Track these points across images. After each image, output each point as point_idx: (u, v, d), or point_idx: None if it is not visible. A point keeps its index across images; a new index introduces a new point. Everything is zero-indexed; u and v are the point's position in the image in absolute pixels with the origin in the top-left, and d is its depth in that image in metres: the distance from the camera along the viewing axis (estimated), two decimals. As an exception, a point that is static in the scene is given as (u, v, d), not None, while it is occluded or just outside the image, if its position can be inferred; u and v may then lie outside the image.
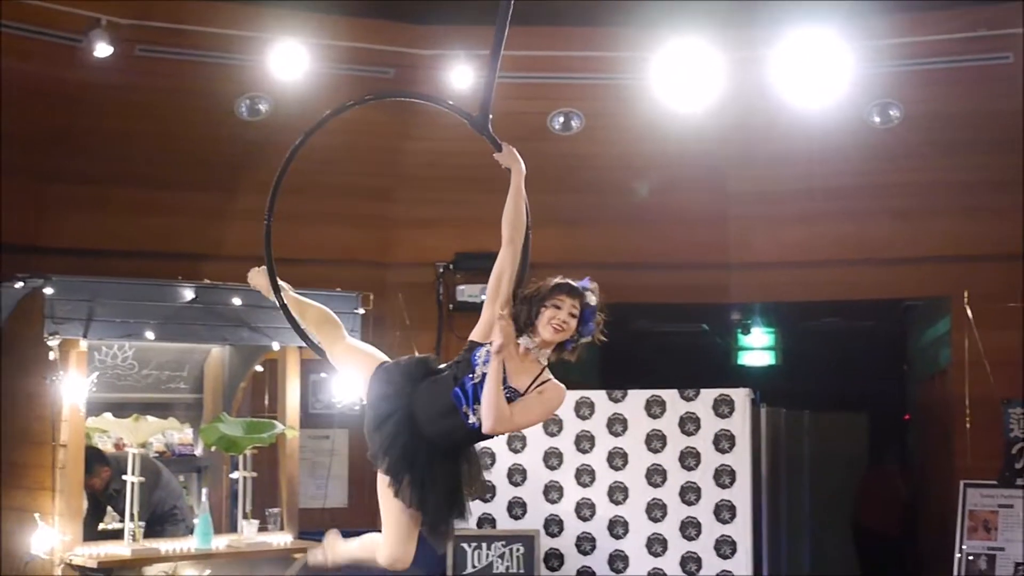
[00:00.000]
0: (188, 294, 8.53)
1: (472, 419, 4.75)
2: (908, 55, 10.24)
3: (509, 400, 4.70)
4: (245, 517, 8.62)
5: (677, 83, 10.07)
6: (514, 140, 11.57)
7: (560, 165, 10.86)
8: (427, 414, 4.81)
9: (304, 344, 5.60)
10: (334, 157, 10.60)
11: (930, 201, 10.94)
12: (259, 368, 9.55)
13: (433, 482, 4.84)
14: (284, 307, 5.53)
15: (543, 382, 4.79)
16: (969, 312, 10.74)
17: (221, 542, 8.41)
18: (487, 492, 5.39)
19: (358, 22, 10.30)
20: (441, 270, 11.23)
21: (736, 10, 10.13)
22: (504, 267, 4.96)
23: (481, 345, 4.81)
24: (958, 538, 10.05)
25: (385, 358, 5.11)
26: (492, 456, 9.82)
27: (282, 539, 8.71)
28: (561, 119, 10.90)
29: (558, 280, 4.87)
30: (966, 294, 10.79)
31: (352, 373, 5.22)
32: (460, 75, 10.14)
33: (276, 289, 5.58)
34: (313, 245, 10.82)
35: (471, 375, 4.78)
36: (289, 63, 9.77)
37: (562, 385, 4.80)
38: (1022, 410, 10.51)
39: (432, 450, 4.84)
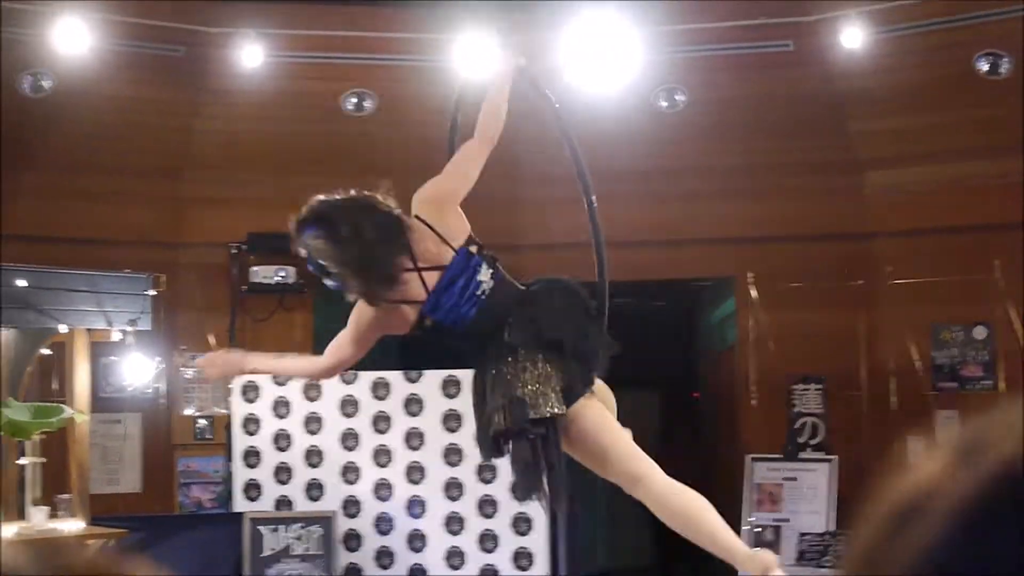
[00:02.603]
0: (-30, 276, 8.30)
1: None
2: (693, 41, 10.50)
3: None
4: (34, 504, 8.42)
5: (469, 65, 10.13)
6: (307, 121, 11.61)
7: (352, 146, 10.85)
8: None
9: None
10: (120, 135, 10.40)
11: (715, 184, 11.21)
12: (46, 351, 9.32)
13: None
14: None
15: None
16: (754, 292, 11.08)
17: (9, 530, 8.20)
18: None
19: (144, -3, 10.13)
20: (234, 251, 11.08)
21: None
22: None
23: None
24: (745, 511, 10.36)
25: None
26: (288, 438, 9.78)
27: (73, 525, 8.54)
28: (354, 100, 10.87)
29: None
30: (750, 275, 11.12)
31: None
32: (250, 54, 10.05)
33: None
34: (102, 225, 10.59)
35: None
36: (73, 38, 9.52)
37: None
38: (805, 386, 10.89)
39: None
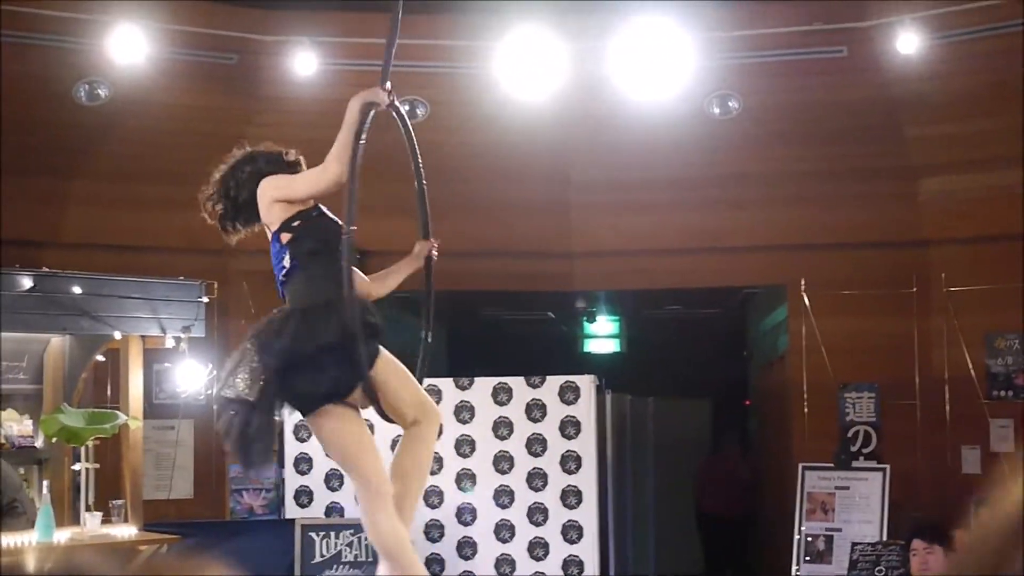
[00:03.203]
0: (26, 282, 8.35)
1: None
2: (746, 47, 10.44)
3: None
4: (88, 509, 8.47)
5: (520, 72, 10.14)
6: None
7: (404, 153, 10.86)
8: None
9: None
10: (174, 143, 10.47)
11: (768, 191, 11.17)
12: (100, 357, 9.39)
13: None
14: None
15: None
16: (806, 299, 11.01)
17: (63, 535, 8.26)
18: None
19: (199, 5, 10.18)
20: (286, 258, 11.12)
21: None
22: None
23: None
24: (797, 520, 10.29)
25: None
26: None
27: (126, 531, 8.59)
28: (406, 107, 10.84)
29: None
30: (803, 282, 11.05)
31: None
32: (304, 61, 10.10)
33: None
34: (156, 233, 10.68)
35: None
36: (128, 47, 9.60)
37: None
38: (858, 394, 10.81)
39: None
